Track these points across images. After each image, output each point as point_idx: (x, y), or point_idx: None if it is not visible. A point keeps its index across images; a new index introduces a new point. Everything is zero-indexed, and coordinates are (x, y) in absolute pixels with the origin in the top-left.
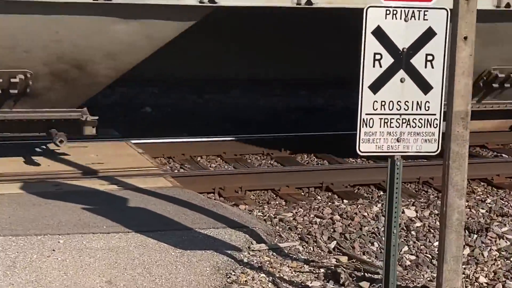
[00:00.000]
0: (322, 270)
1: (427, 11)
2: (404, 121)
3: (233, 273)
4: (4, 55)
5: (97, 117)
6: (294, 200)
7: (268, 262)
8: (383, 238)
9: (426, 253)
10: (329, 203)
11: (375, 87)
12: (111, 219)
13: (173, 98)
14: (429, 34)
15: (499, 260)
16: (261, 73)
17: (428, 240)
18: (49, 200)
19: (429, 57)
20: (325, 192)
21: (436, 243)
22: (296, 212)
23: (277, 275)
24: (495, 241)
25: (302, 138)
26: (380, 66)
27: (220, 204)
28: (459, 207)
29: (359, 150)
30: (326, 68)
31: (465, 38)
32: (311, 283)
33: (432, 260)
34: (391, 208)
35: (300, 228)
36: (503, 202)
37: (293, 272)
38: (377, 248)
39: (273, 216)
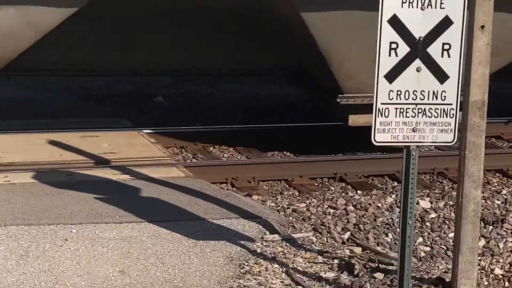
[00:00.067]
0: (336, 261)
1: None
2: (420, 111)
3: (246, 264)
4: None
5: None
6: (307, 191)
7: (281, 253)
8: (398, 229)
9: (441, 244)
10: (343, 194)
11: (391, 76)
12: (124, 209)
13: (185, 88)
14: (445, 22)
15: None
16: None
17: (443, 231)
18: (61, 190)
19: (446, 46)
20: (339, 183)
21: (451, 235)
22: (309, 203)
23: (291, 266)
24: (511, 232)
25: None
26: (396, 55)
27: (233, 194)
28: (475, 198)
29: (375, 140)
30: None
31: (482, 27)
32: (325, 274)
33: (447, 251)
34: (406, 198)
35: (314, 218)
36: None
37: (307, 263)
38: (391, 239)
39: (286, 207)
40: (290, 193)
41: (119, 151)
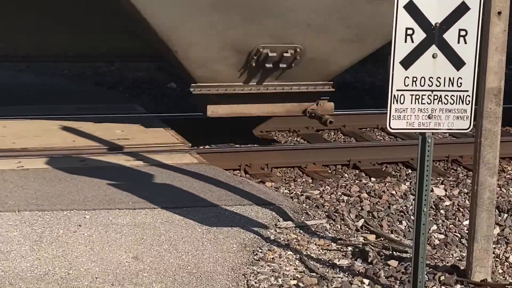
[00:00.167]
0: (349, 248)
1: None
2: (435, 97)
3: (260, 250)
4: None
5: None
6: (321, 178)
7: (295, 240)
8: (412, 217)
9: (455, 232)
10: (357, 181)
11: (407, 62)
12: (137, 195)
13: None
14: (462, 8)
15: None
16: None
17: (457, 219)
18: (74, 176)
19: (462, 32)
20: (352, 170)
21: (465, 222)
22: (323, 190)
23: (304, 253)
24: None
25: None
26: (412, 41)
27: (246, 181)
28: (491, 185)
29: (390, 127)
30: None
31: (499, 13)
32: (338, 261)
33: (461, 239)
34: (421, 186)
35: (327, 206)
36: None
37: (321, 250)
38: (405, 226)
39: (299, 194)
40: (304, 180)
41: (132, 137)
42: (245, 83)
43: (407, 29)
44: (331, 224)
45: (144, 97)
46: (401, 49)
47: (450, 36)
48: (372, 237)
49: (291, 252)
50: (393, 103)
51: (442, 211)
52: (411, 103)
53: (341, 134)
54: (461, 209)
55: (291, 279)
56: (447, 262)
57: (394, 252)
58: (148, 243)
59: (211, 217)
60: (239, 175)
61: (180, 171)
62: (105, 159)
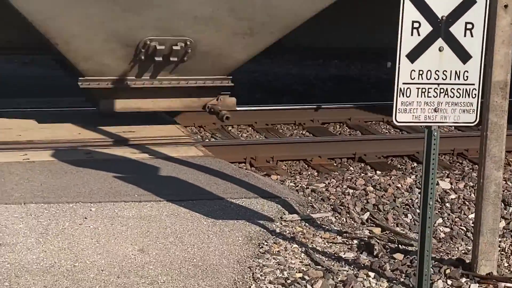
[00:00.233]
0: (355, 241)
1: None
2: (442, 91)
3: (265, 243)
4: None
5: None
6: (326, 171)
7: (300, 233)
8: (417, 210)
9: (460, 225)
10: (362, 174)
11: (413, 56)
12: (143, 188)
13: None
14: (469, 2)
15: None
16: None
17: (463, 213)
18: (80, 168)
19: (469, 26)
20: (358, 163)
21: (471, 216)
22: (328, 183)
23: (310, 246)
24: None
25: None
26: (418, 35)
27: (252, 174)
28: (497, 179)
29: (396, 120)
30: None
31: (506, 6)
32: (344, 254)
33: (467, 232)
34: (427, 179)
35: (333, 199)
36: None
37: (326, 243)
38: (411, 220)
39: (305, 187)
40: (309, 173)
41: (137, 130)
42: (137, 77)
43: (413, 22)
44: (337, 217)
45: None
46: (407, 42)
47: (457, 29)
48: (377, 230)
49: (296, 245)
50: (399, 96)
51: (447, 205)
52: (417, 96)
53: (346, 128)
54: (467, 203)
55: (296, 272)
56: (453, 256)
57: (400, 245)
58: (153, 235)
59: (217, 210)
60: (245, 168)
61: (185, 163)
62: (110, 151)
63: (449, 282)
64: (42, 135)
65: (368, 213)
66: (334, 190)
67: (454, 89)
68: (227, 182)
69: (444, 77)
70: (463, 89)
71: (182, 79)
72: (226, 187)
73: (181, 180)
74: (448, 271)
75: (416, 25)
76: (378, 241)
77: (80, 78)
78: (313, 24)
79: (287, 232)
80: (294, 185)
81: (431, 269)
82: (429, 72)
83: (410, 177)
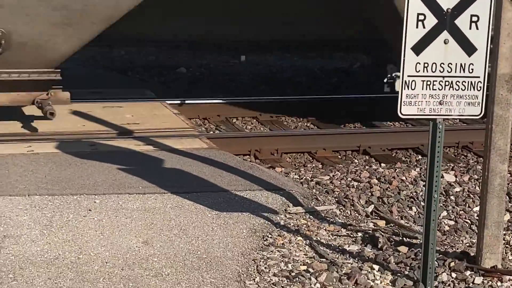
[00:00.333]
0: (359, 234)
1: None
2: (447, 83)
3: (269, 236)
4: None
5: None
6: (331, 163)
7: (305, 225)
8: (422, 203)
9: (465, 218)
10: (367, 167)
11: (418, 48)
12: (147, 180)
13: (208, 59)
14: None
15: None
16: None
17: (467, 205)
18: (84, 160)
19: (474, 18)
20: (362, 156)
21: (476, 209)
22: (333, 175)
23: (314, 238)
24: None
25: (340, 100)
26: (424, 27)
27: (256, 166)
28: (501, 172)
29: (401, 113)
30: None
31: None
32: (348, 247)
33: (471, 225)
34: (431, 172)
35: (337, 191)
36: None
37: (330, 236)
38: (415, 212)
39: (309, 179)
40: (314, 165)
41: (142, 122)
42: None
43: (418, 14)
44: (341, 210)
45: (154, 82)
46: (412, 35)
47: (462, 21)
48: (382, 223)
49: (301, 238)
50: (404, 89)
51: (452, 197)
52: (422, 89)
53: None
54: (471, 195)
55: (301, 264)
56: (457, 248)
57: (404, 238)
58: (158, 228)
59: (221, 202)
60: (249, 160)
61: (190, 156)
62: (115, 143)
63: (454, 275)
64: (46, 127)
65: (372, 206)
66: (339, 182)
67: (459, 82)
68: (232, 174)
69: (449, 70)
70: (468, 81)
71: (2, 72)
72: (231, 180)
73: (185, 172)
74: (452, 264)
75: (421, 17)
76: (382, 234)
77: None
78: None
79: (292, 224)
80: (298, 177)
81: (436, 262)
82: (434, 64)
83: (415, 170)
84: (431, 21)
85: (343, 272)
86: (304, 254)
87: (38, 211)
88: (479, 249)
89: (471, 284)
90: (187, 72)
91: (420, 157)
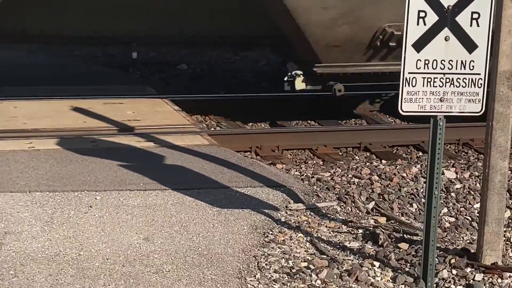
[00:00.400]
0: (360, 230)
1: None
2: (447, 80)
3: (270, 232)
4: None
5: None
6: (331, 160)
7: (305, 222)
8: (422, 200)
9: (465, 215)
10: (367, 164)
11: (419, 45)
12: (148, 176)
13: (209, 56)
14: None
15: None
16: None
17: (468, 202)
18: (85, 157)
19: (475, 15)
20: (363, 152)
21: (476, 205)
22: (334, 172)
23: (315, 235)
24: None
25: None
26: (424, 24)
27: (257, 163)
28: (502, 169)
29: (401, 110)
30: None
31: None
32: (349, 243)
33: (472, 222)
34: (432, 169)
35: (338, 188)
36: None
37: (331, 232)
38: (416, 209)
39: (310, 176)
40: (314, 162)
41: (143, 118)
42: None
43: (419, 11)
44: (342, 207)
45: (155, 78)
46: (413, 32)
47: (463, 18)
48: (382, 220)
49: (301, 234)
50: (405, 85)
51: (453, 194)
52: (423, 86)
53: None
54: (472, 192)
55: (301, 261)
56: (458, 245)
57: (405, 235)
58: (159, 224)
59: (222, 199)
60: (250, 157)
61: (191, 152)
62: (116, 140)
63: (454, 271)
64: (47, 123)
65: (373, 203)
66: (339, 179)
67: (460, 79)
68: (233, 171)
69: (450, 67)
70: (469, 78)
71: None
72: (232, 176)
73: (186, 169)
74: (453, 260)
75: (422, 14)
76: (383, 230)
77: None
78: None
79: (292, 221)
80: (299, 174)
81: (436, 258)
82: (435, 61)
83: (416, 167)
84: (432, 18)
85: (344, 268)
86: (305, 251)
87: (39, 208)
88: (480, 246)
89: (471, 280)
90: (189, 69)
91: (420, 154)
